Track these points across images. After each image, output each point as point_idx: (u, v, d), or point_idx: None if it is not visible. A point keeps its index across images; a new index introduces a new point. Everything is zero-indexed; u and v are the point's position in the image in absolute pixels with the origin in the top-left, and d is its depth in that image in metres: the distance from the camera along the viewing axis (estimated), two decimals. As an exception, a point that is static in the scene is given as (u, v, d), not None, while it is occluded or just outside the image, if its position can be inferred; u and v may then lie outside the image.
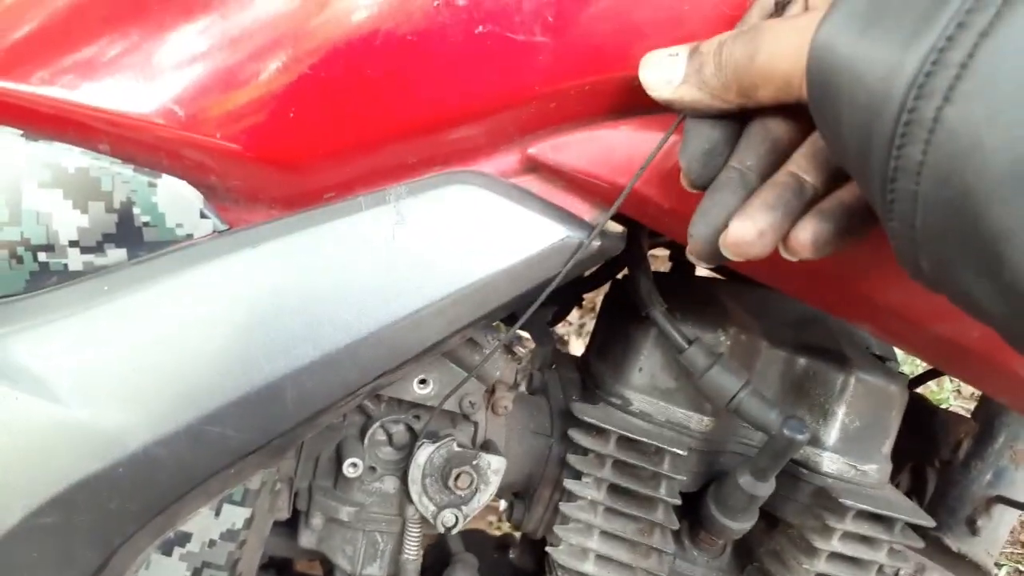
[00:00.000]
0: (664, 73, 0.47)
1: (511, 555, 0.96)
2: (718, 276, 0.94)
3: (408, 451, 0.69)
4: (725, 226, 0.43)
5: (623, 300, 0.79)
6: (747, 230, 0.42)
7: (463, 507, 0.66)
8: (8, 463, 0.49)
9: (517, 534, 1.08)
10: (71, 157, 0.50)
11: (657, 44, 0.49)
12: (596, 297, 1.48)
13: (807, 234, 0.42)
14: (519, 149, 0.55)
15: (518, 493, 0.80)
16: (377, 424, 0.67)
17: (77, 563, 0.52)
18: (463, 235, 0.53)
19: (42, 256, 0.51)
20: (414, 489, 0.64)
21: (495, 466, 0.65)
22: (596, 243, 0.55)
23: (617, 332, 0.75)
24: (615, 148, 0.53)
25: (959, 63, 0.30)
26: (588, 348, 0.92)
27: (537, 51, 0.50)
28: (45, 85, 0.49)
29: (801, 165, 0.44)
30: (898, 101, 0.31)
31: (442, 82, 0.50)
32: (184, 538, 0.57)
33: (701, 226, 0.45)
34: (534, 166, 0.55)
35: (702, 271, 0.97)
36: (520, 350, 0.64)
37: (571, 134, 0.54)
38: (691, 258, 0.47)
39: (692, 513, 0.73)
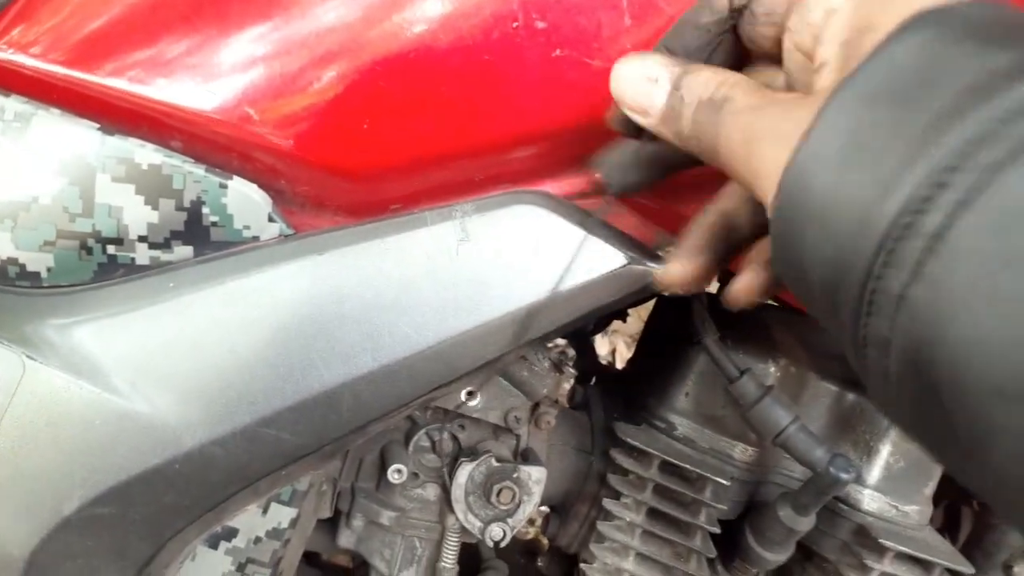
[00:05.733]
0: (641, 99, 0.41)
1: (539, 563, 0.97)
2: (768, 302, 0.94)
3: (452, 459, 0.69)
4: None
5: (671, 321, 0.79)
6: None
7: (509, 520, 0.66)
8: (68, 452, 0.50)
9: (545, 540, 1.08)
10: (145, 153, 0.51)
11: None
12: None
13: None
14: (587, 171, 0.55)
15: (554, 507, 0.80)
16: (422, 431, 0.67)
17: (129, 554, 0.52)
18: (526, 255, 0.53)
19: (111, 249, 0.52)
20: (459, 508, 0.65)
21: (536, 476, 0.65)
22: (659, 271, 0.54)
23: (664, 354, 0.75)
24: (680, 175, 0.53)
25: (929, 235, 0.25)
26: (631, 364, 0.92)
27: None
28: (121, 79, 0.50)
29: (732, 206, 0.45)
30: (864, 269, 0.27)
31: (515, 102, 0.50)
32: (231, 533, 0.58)
33: None
34: (601, 189, 0.55)
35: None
36: (568, 370, 0.64)
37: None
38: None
39: (727, 540, 0.73)
